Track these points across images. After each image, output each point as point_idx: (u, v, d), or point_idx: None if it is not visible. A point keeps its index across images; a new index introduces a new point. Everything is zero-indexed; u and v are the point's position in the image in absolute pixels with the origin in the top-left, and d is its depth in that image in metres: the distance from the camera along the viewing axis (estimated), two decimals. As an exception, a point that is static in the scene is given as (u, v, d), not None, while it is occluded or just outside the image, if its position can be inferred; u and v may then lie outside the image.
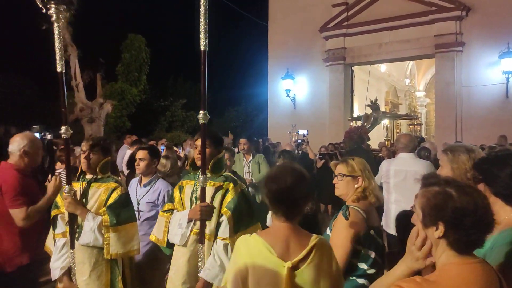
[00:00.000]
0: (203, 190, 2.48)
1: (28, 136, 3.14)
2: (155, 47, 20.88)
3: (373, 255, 2.23)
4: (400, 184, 4.05)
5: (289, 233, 1.67)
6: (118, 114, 18.65)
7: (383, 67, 16.69)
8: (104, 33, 20.63)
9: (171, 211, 2.76)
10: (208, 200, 2.54)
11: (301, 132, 7.92)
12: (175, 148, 6.96)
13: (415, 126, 16.07)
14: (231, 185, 2.61)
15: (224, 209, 2.56)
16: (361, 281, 2.24)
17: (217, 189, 2.61)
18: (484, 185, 1.77)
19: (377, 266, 2.27)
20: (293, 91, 13.85)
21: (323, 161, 8.18)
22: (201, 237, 2.53)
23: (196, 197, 2.61)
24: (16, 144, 3.02)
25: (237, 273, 1.64)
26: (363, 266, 2.22)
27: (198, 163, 2.59)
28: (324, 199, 8.14)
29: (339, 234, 2.20)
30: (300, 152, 8.33)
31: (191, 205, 2.66)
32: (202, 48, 2.46)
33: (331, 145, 10.22)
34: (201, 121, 2.42)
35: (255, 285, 1.62)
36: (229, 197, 2.57)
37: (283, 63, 13.83)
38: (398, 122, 16.97)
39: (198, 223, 2.54)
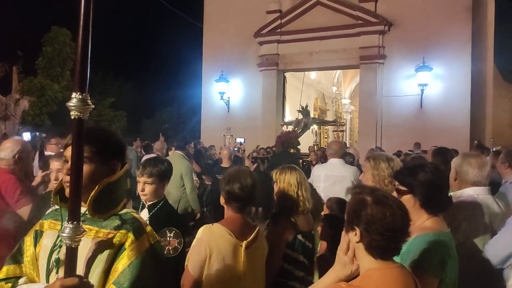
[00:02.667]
0: (71, 251, 1.20)
1: (20, 142, 3.19)
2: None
3: (301, 258, 2.39)
4: (329, 188, 4.24)
5: (242, 221, 2.19)
6: (36, 111, 17.16)
7: (313, 75, 17.43)
8: (24, 23, 18.92)
9: (14, 279, 1.45)
10: (80, 268, 1.29)
11: (238, 140, 7.93)
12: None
13: (339, 132, 17.04)
14: (131, 237, 1.36)
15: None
16: (290, 283, 2.38)
17: (102, 245, 1.36)
18: (411, 196, 1.89)
19: (305, 269, 2.43)
20: (227, 94, 13.89)
21: (255, 165, 8.30)
22: None
23: (58, 260, 1.36)
24: (10, 149, 3.06)
25: (199, 258, 2.03)
26: (291, 269, 2.38)
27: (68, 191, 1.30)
28: (255, 202, 8.23)
29: (270, 240, 2.36)
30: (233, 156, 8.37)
31: (48, 273, 1.39)
32: None
33: (263, 149, 10.43)
34: (73, 114, 1.17)
35: (220, 261, 2.04)
36: (124, 261, 1.33)
37: (218, 66, 13.82)
38: (325, 127, 17.81)
39: None
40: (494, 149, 8.84)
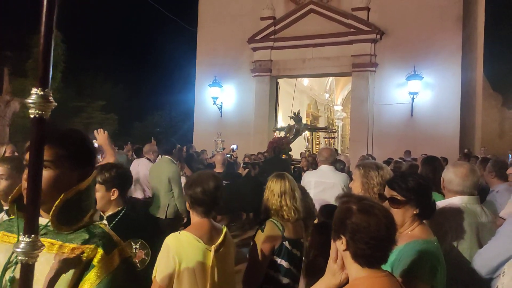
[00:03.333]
0: (27, 269, 1.03)
1: None
2: (73, 43, 19.52)
3: (287, 265, 2.41)
4: (319, 195, 4.26)
5: (209, 225, 2.18)
6: (27, 113, 17.01)
7: (305, 81, 17.53)
8: (15, 24, 18.76)
9: None
10: None
11: (232, 146, 7.82)
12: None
13: (330, 139, 17.12)
14: (100, 252, 1.19)
15: None
16: None
17: (67, 262, 1.18)
18: (409, 206, 1.91)
19: (292, 276, 2.46)
20: (220, 99, 13.90)
21: (246, 170, 8.29)
22: None
23: (12, 279, 1.18)
24: None
25: (167, 268, 1.99)
26: (277, 275, 2.41)
27: None
28: (246, 208, 8.23)
29: (257, 245, 2.41)
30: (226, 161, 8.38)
31: None
32: None
33: (254, 155, 10.44)
34: (32, 112, 1.06)
35: (190, 269, 2.02)
36: (92, 280, 1.16)
37: (211, 71, 13.83)
38: (317, 134, 17.89)
39: None
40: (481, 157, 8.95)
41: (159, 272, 2.01)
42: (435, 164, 3.16)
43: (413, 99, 11.46)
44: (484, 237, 2.31)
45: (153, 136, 13.02)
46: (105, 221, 2.16)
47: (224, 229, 2.25)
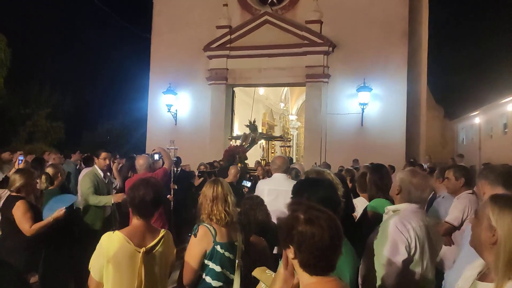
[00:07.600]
0: None
1: None
2: (19, 47, 18.47)
3: (218, 269, 2.50)
4: (273, 203, 4.28)
5: (143, 228, 2.32)
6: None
7: (261, 90, 17.71)
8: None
9: None
10: None
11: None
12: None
13: (286, 148, 17.36)
14: None
15: None
16: None
17: None
18: None
19: (224, 279, 2.54)
20: (175, 106, 13.69)
21: (201, 179, 8.19)
22: None
23: None
24: None
25: (98, 263, 2.20)
26: (208, 279, 2.50)
27: None
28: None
29: (190, 250, 2.51)
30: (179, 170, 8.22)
31: None
32: None
33: (209, 164, 10.34)
34: None
35: (117, 267, 2.17)
36: None
37: (166, 78, 13.60)
38: (273, 142, 18.08)
39: None
40: (426, 165, 9.49)
41: (92, 266, 2.23)
42: (382, 172, 3.29)
43: (363, 109, 11.93)
44: (435, 239, 2.42)
45: (103, 145, 12.52)
46: None
47: (162, 233, 2.36)
